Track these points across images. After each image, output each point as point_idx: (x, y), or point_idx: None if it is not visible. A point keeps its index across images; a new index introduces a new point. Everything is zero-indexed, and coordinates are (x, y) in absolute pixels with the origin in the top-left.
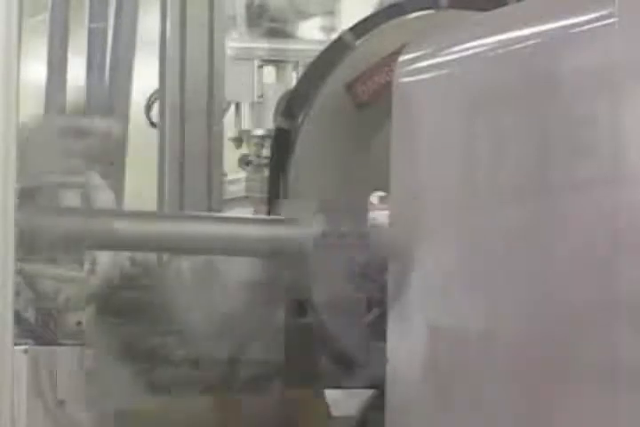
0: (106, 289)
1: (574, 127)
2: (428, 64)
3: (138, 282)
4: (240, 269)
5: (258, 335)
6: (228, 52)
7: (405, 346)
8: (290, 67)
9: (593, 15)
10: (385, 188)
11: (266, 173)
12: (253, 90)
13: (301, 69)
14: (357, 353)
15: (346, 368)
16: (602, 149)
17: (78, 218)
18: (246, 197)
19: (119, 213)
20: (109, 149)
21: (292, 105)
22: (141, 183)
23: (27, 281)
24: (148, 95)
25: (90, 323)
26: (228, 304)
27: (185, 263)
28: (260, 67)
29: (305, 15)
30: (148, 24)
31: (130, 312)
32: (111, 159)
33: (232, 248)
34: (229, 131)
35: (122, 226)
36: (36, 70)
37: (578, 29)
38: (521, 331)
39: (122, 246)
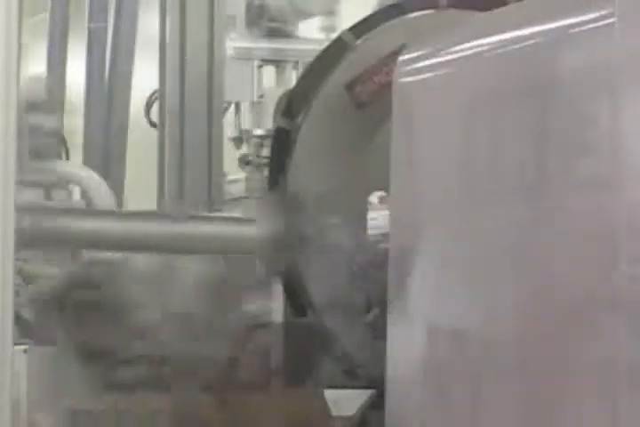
0: (65, 288)
1: (574, 127)
2: (428, 64)
3: (96, 281)
4: (198, 268)
5: (215, 334)
6: (228, 52)
7: (405, 346)
8: (290, 67)
9: (593, 15)
10: (385, 188)
11: (266, 172)
12: (253, 90)
13: (301, 69)
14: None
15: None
16: (602, 148)
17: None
18: (246, 197)
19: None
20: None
21: (292, 105)
22: (141, 183)
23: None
24: (147, 95)
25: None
26: (186, 303)
27: (142, 262)
28: (260, 67)
29: (305, 15)
30: (148, 24)
31: (89, 311)
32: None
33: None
34: (229, 131)
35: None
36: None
37: (578, 29)
38: (521, 331)
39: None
